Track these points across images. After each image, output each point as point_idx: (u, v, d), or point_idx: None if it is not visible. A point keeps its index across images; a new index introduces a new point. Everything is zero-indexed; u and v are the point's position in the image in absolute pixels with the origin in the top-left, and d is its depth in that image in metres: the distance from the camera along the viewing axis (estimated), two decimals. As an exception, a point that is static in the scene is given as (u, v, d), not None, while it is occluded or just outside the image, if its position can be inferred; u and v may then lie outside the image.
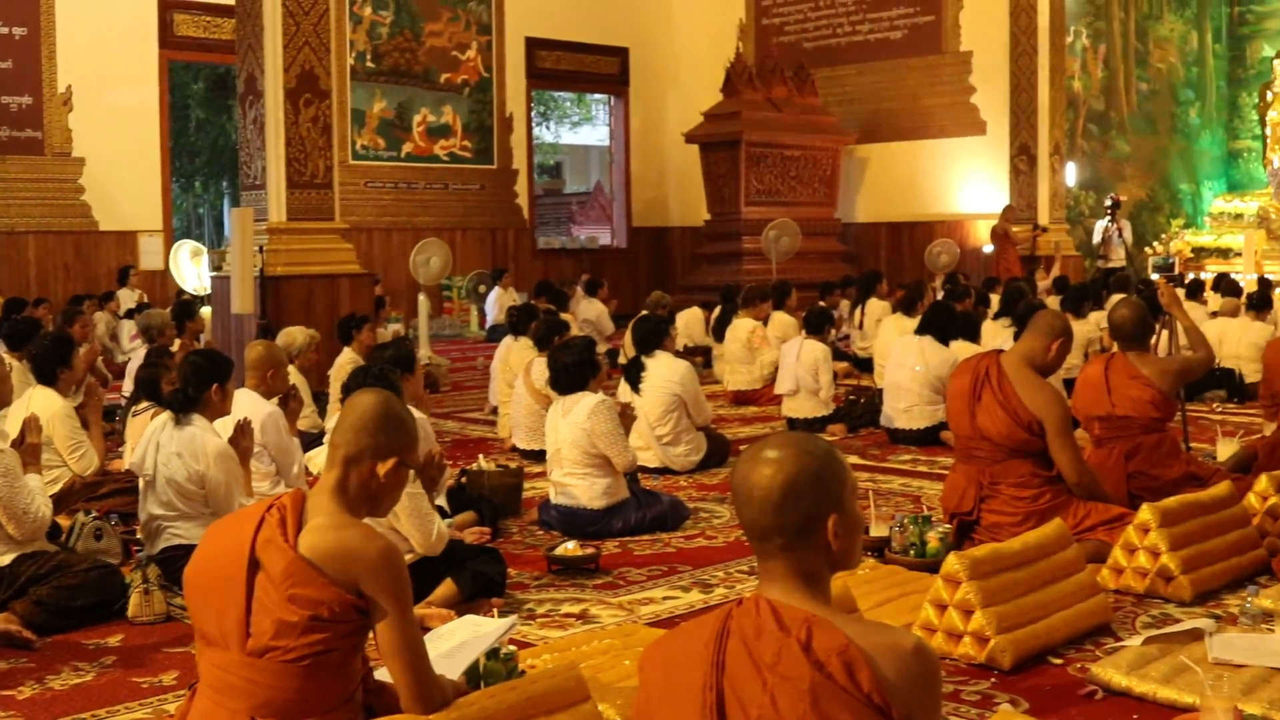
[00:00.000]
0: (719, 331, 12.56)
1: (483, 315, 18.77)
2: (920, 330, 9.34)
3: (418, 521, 5.21)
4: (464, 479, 7.08)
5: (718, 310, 13.23)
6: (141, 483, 5.77)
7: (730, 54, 21.36)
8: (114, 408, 9.53)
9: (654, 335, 8.57)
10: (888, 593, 5.17)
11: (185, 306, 11.86)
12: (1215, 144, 24.14)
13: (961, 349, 8.95)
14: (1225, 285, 13.62)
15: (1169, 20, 23.00)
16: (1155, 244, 20.35)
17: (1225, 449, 8.04)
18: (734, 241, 19.64)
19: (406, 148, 20.46)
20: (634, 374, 8.34)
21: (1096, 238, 19.79)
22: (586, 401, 6.67)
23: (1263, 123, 22.21)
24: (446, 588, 5.24)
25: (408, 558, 4.99)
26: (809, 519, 2.50)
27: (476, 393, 12.23)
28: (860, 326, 13.91)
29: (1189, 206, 23.10)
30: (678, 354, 9.75)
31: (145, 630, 5.18)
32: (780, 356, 10.32)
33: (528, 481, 7.55)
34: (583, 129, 34.88)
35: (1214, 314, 12.43)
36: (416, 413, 5.87)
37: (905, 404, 9.20)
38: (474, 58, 21.14)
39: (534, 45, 21.73)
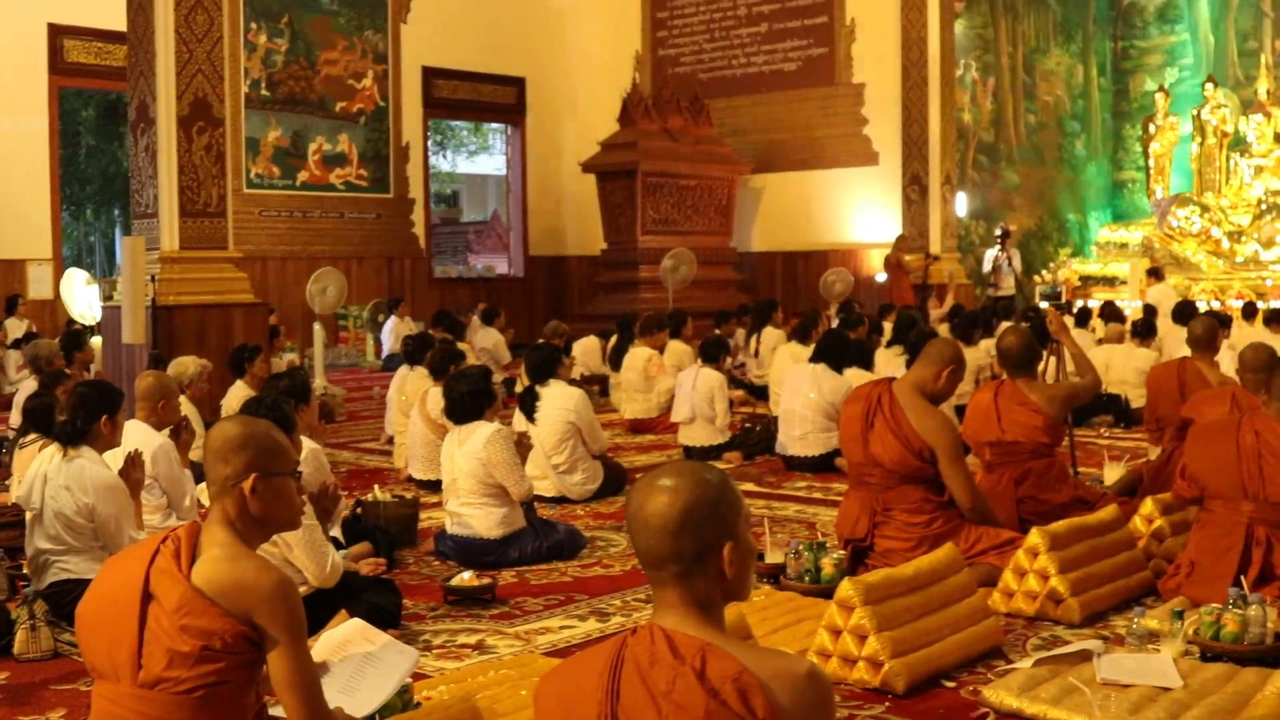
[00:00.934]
0: (616, 360, 12.59)
1: (379, 344, 18.64)
2: (815, 358, 9.43)
3: (312, 553, 5.16)
4: (359, 510, 7.01)
5: (614, 339, 13.26)
6: (29, 516, 5.66)
7: (627, 84, 21.48)
8: (0, 440, 9.34)
9: (546, 364, 8.57)
10: (783, 619, 5.19)
11: (74, 336, 11.66)
12: (1101, 175, 24.67)
13: (855, 376, 9.04)
14: (1111, 313, 13.89)
15: (1055, 55, 23.49)
16: (1044, 272, 20.72)
17: (1112, 473, 8.18)
18: (631, 270, 19.70)
19: (302, 176, 20.29)
20: (528, 403, 8.33)
21: (987, 266, 20.11)
22: (482, 431, 6.65)
23: (1146, 154, 22.74)
24: (341, 620, 5.18)
25: (302, 590, 4.94)
26: (704, 547, 2.51)
27: (372, 422, 12.15)
28: (756, 355, 14.00)
29: (1076, 235, 23.57)
30: (573, 382, 9.76)
31: (32, 667, 5.08)
32: (677, 385, 10.36)
33: (424, 512, 7.50)
34: (480, 158, 34.79)
35: (1100, 341, 12.66)
36: (310, 444, 5.86)
37: (800, 431, 9.27)
38: (370, 86, 21.04)
39: (431, 74, 21.68)
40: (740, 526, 2.56)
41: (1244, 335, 12.01)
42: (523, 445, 6.90)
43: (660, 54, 23.00)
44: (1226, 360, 9.36)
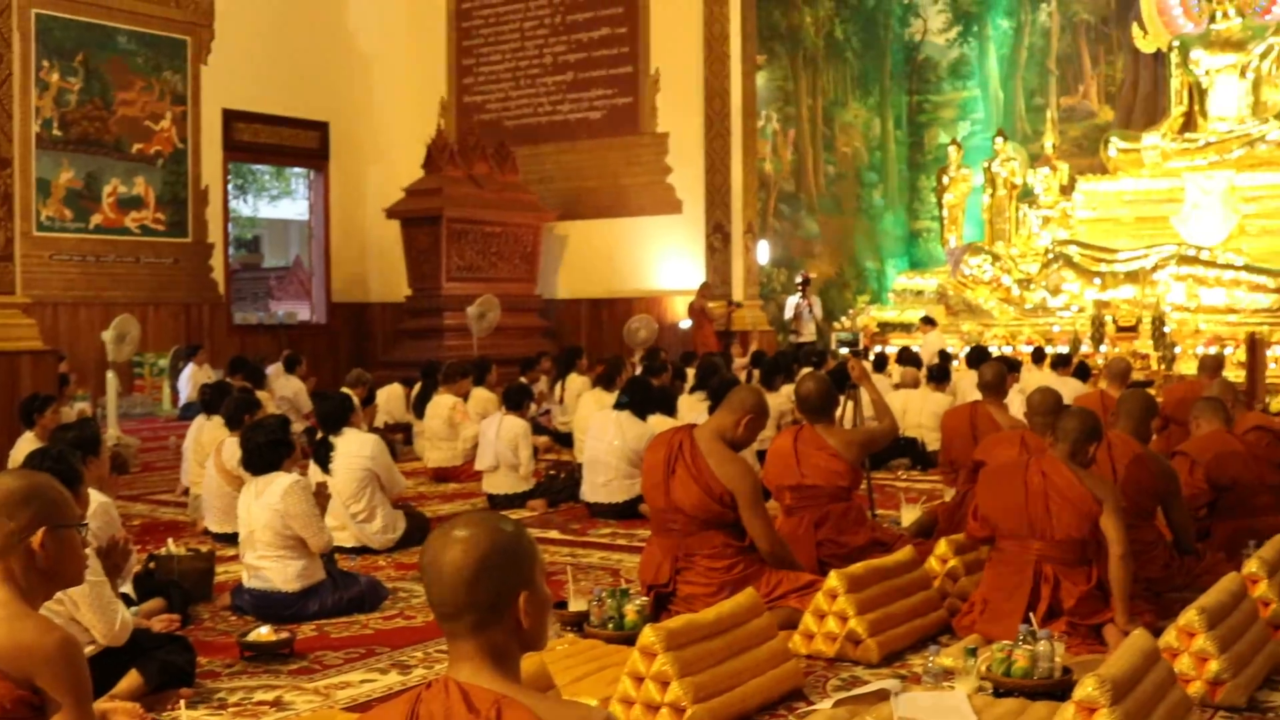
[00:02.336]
0: (420, 408, 12.48)
1: (175, 393, 18.16)
2: (618, 405, 9.46)
3: (100, 610, 4.97)
4: (152, 564, 6.80)
5: (418, 387, 13.15)
6: None
7: (432, 130, 21.39)
8: None
9: (338, 413, 8.43)
10: (586, 667, 5.17)
11: None
12: (898, 224, 25.31)
13: (658, 423, 9.08)
14: (908, 358, 14.22)
15: (854, 107, 24.07)
16: (843, 319, 21.13)
17: (909, 515, 8.36)
18: (435, 317, 19.57)
19: (96, 219, 19.73)
20: (323, 453, 8.19)
21: (788, 313, 20.45)
22: (280, 482, 6.52)
23: (940, 205, 23.38)
24: (131, 679, 5.01)
25: (90, 649, 4.77)
26: (500, 597, 2.49)
27: (168, 474, 11.81)
28: (560, 401, 14.01)
29: (874, 283, 24.11)
30: (375, 430, 9.65)
31: None
32: (480, 433, 10.30)
33: (220, 565, 7.31)
34: (282, 202, 34.27)
35: (897, 386, 12.95)
36: (100, 497, 5.66)
37: (604, 478, 9.28)
38: (168, 128, 20.59)
39: (231, 117, 21.30)
40: (536, 576, 2.54)
41: (1033, 379, 12.38)
42: (321, 496, 6.78)
43: (466, 100, 22.98)
44: (1016, 404, 9.65)
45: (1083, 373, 13.41)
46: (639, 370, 12.78)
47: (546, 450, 12.53)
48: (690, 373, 13.29)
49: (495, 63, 22.70)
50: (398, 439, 12.94)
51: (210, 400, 9.86)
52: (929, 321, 18.65)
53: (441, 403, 11.61)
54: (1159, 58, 22.81)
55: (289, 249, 36.29)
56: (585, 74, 21.70)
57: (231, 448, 7.87)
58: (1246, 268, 18.41)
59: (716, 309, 19.51)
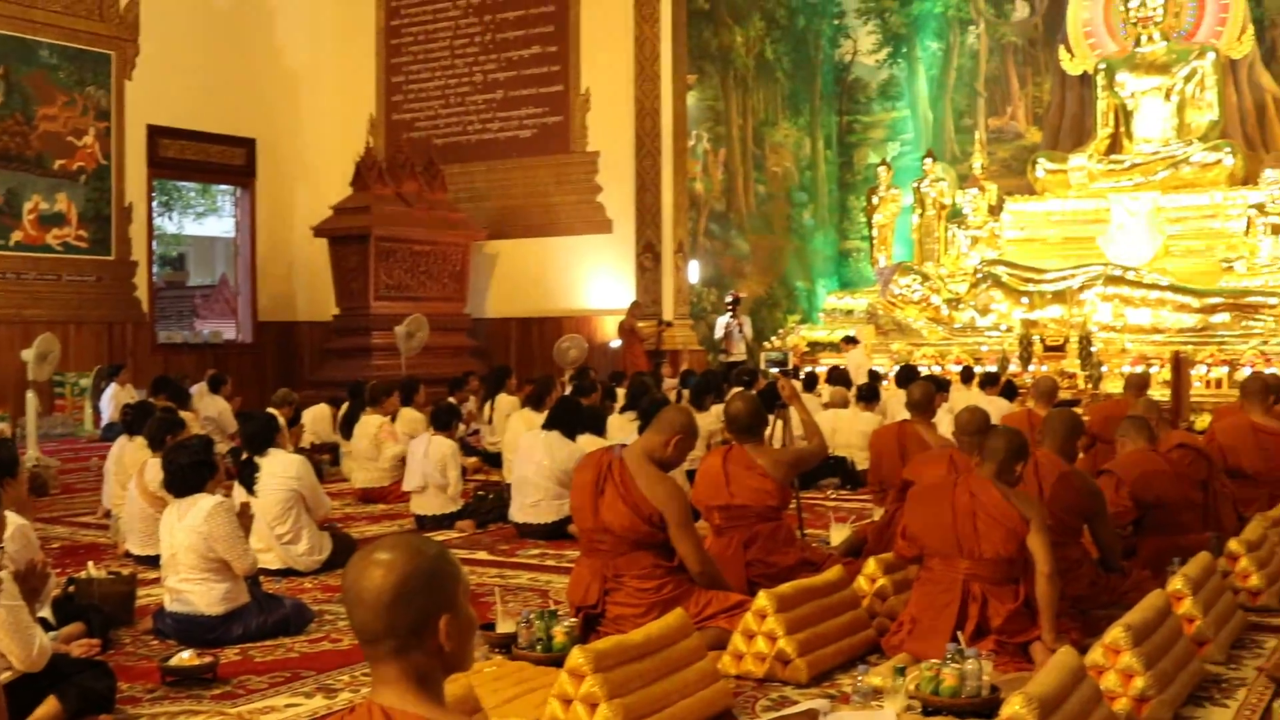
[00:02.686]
0: (347, 428, 12.37)
1: (98, 413, 17.91)
2: (547, 425, 9.42)
3: (17, 636, 4.86)
4: (72, 588, 6.67)
5: (346, 407, 13.03)
6: None
7: (360, 148, 21.27)
8: None
9: (263, 433, 8.32)
10: (514, 689, 5.13)
11: None
12: (828, 244, 25.43)
13: (588, 443, 9.04)
14: (837, 378, 14.27)
15: (784, 127, 24.17)
16: (774, 338, 21.18)
17: (838, 534, 8.37)
18: (363, 337, 19.45)
19: (16, 236, 19.45)
20: (248, 474, 8.08)
21: (719, 333, 20.48)
22: (203, 504, 6.41)
23: (870, 225, 23.51)
24: (49, 706, 4.90)
25: (6, 675, 4.67)
26: (420, 620, 2.45)
27: (89, 495, 11.63)
28: (489, 422, 13.93)
29: (804, 303, 24.20)
30: (301, 451, 9.54)
31: None
32: (408, 453, 10.21)
33: (141, 589, 7.18)
34: (208, 220, 33.94)
35: (826, 405, 12.98)
36: (18, 519, 5.55)
37: (533, 499, 9.23)
38: (92, 144, 20.36)
39: (156, 133, 21.09)
40: (458, 598, 2.50)
41: (961, 399, 12.44)
42: (245, 517, 6.68)
43: (395, 118, 22.89)
44: (945, 423, 9.69)
45: (1010, 392, 13.51)
46: (568, 390, 12.74)
47: (475, 471, 12.47)
48: (620, 392, 13.27)
49: (425, 80, 22.63)
50: (324, 459, 12.82)
51: (132, 421, 9.72)
52: (851, 340, 18.78)
53: (368, 423, 11.51)
54: (1085, 80, 23.08)
55: (215, 267, 35.92)
56: (515, 92, 21.68)
57: (154, 469, 7.74)
58: (1171, 288, 18.63)
59: (647, 328, 19.51)
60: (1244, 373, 15.51)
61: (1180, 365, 13.62)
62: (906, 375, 13.10)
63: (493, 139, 21.91)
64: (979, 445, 6.05)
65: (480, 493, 10.76)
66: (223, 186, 26.18)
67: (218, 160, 22.37)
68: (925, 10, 25.18)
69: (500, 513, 9.78)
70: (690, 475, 8.44)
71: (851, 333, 19.38)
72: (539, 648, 5.72)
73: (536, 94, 21.50)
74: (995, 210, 22.17)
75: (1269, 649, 5.96)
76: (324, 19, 23.04)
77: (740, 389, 9.76)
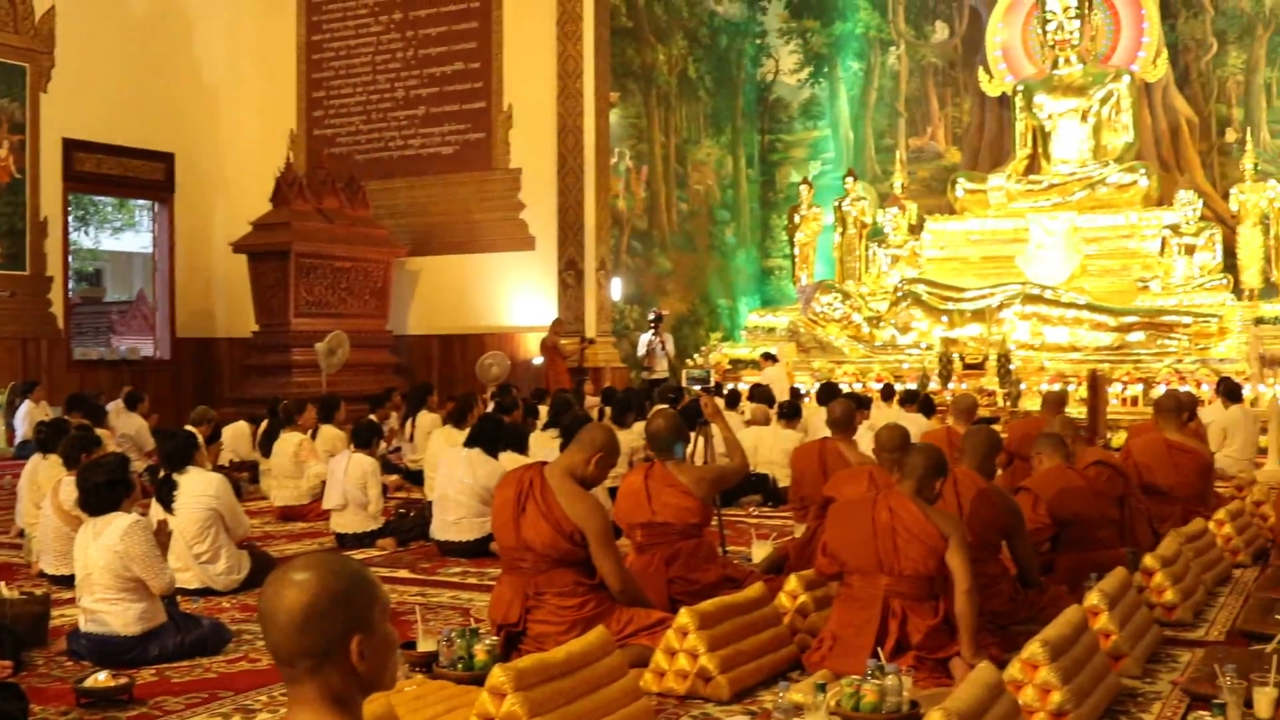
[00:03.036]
0: (266, 446, 12.25)
1: (11, 431, 17.60)
2: (469, 442, 9.38)
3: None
4: (-18, 608, 6.56)
5: (265, 424, 12.92)
6: None
7: (280, 163, 21.10)
8: None
9: (182, 451, 8.21)
10: (435, 708, 5.08)
11: None
12: (750, 262, 25.55)
13: (510, 460, 9.02)
14: (760, 395, 14.31)
15: (706, 145, 24.28)
16: (696, 356, 21.23)
17: (760, 551, 8.39)
18: (283, 353, 19.29)
19: (-72, 251, 19.15)
20: (165, 492, 7.97)
21: (641, 350, 20.51)
22: (119, 523, 6.32)
23: (792, 243, 23.66)
24: (-40, 727, 4.83)
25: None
26: (332, 641, 2.42)
27: (2, 514, 11.43)
28: (411, 439, 13.86)
29: (727, 320, 24.29)
30: (220, 469, 9.44)
31: None
32: (328, 471, 10.13)
33: (55, 609, 7.06)
34: (125, 235, 33.58)
35: (749, 422, 13.02)
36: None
37: (455, 516, 9.18)
38: (5, 157, 20.04)
39: (72, 147, 20.80)
40: (374, 618, 2.47)
41: (882, 416, 12.53)
42: (162, 535, 6.59)
43: (316, 134, 22.75)
44: (866, 440, 9.74)
45: (927, 408, 13.61)
46: (491, 407, 12.70)
47: (396, 488, 12.40)
48: (542, 409, 13.24)
49: (346, 95, 22.52)
50: (243, 477, 12.69)
51: (46, 438, 9.57)
52: (769, 357, 18.89)
53: (288, 440, 11.41)
54: (1004, 101, 23.40)
55: (132, 282, 35.52)
56: (438, 108, 21.62)
57: (69, 487, 7.62)
58: (1088, 306, 18.89)
59: (569, 345, 19.50)
60: (1159, 390, 15.75)
61: (1097, 383, 13.80)
62: (828, 393, 13.17)
63: (415, 155, 21.83)
64: (898, 462, 6.09)
65: (401, 510, 10.69)
66: (140, 201, 25.88)
67: (135, 175, 22.10)
68: (846, 31, 25.40)
69: (421, 530, 9.72)
70: (612, 493, 8.43)
71: (771, 350, 19.49)
72: (460, 666, 5.68)
73: (459, 110, 21.46)
74: (915, 229, 22.42)
75: (1184, 663, 6.04)
76: (244, 33, 22.86)
77: (663, 406, 9.76)
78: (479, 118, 21.29)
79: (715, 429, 8.07)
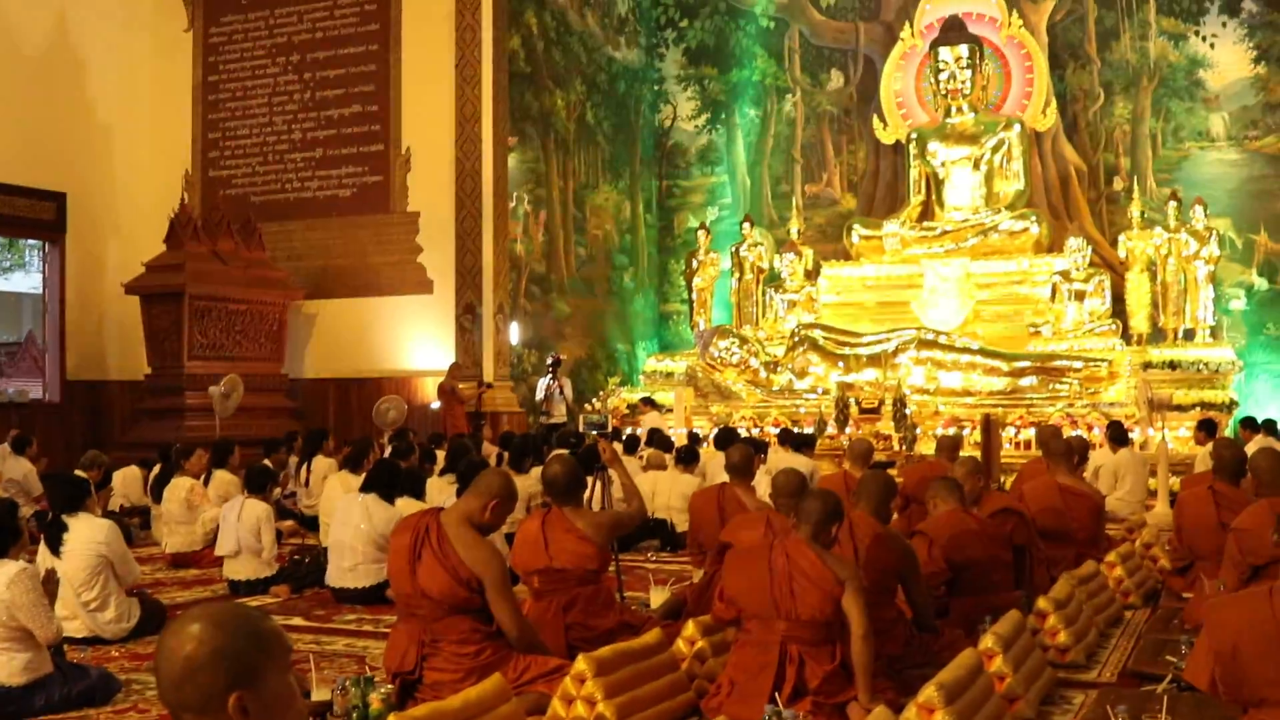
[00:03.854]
0: (158, 491, 12.06)
1: (-108, 476, 17.18)
2: (365, 488, 9.30)
3: None
4: None
5: (157, 469, 12.72)
6: None
7: (175, 204, 20.84)
8: None
9: (73, 495, 8.07)
10: (328, 759, 5.02)
11: None
12: (648, 306, 25.62)
13: (406, 506, 8.95)
14: (658, 440, 14.34)
15: (605, 190, 24.35)
16: (594, 400, 21.22)
17: (657, 596, 8.39)
18: (177, 397, 19.00)
19: None
20: (54, 538, 7.81)
21: (539, 395, 20.46)
22: (5, 570, 6.18)
23: (689, 288, 23.78)
24: None
25: None
26: (210, 697, 2.38)
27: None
28: (306, 484, 13.71)
29: (625, 365, 24.31)
30: (110, 514, 9.27)
31: None
32: (221, 516, 9.99)
33: (-64, 659, 6.89)
34: (14, 275, 33.02)
35: (646, 467, 13.03)
36: None
37: (350, 562, 9.09)
38: (-110, 198, 19.64)
39: (-42, 186, 20.42)
40: (263, 672, 2.41)
41: (779, 460, 12.59)
42: (50, 583, 6.46)
43: (211, 175, 22.52)
44: (763, 485, 9.78)
45: (799, 444, 13.68)
46: (388, 452, 12.61)
47: (291, 534, 12.26)
48: (439, 454, 13.16)
49: (243, 136, 22.33)
50: (134, 523, 12.49)
51: (-72, 484, 9.36)
52: (649, 403, 18.98)
53: (179, 485, 11.24)
54: (898, 148, 23.72)
55: (21, 323, 34.89)
56: (335, 150, 21.51)
57: (-49, 534, 7.45)
58: (981, 351, 19.14)
59: (467, 390, 19.41)
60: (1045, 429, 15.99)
61: (990, 427, 13.97)
62: (725, 438, 13.22)
63: (312, 197, 21.68)
64: (795, 508, 6.12)
65: (296, 557, 10.57)
66: (31, 241, 25.44)
67: (25, 214, 21.69)
68: (743, 78, 25.65)
69: (316, 577, 9.62)
70: (510, 538, 8.39)
71: (650, 395, 19.60)
72: (355, 715, 5.62)
73: (357, 153, 21.36)
74: (812, 275, 22.62)
75: (1077, 704, 6.11)
76: (139, 73, 22.60)
77: (561, 451, 9.75)
78: (377, 160, 21.21)
79: (613, 474, 8.07)
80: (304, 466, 13.94)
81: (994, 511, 8.07)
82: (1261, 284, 21.77)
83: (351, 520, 9.14)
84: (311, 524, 12.47)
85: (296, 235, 21.54)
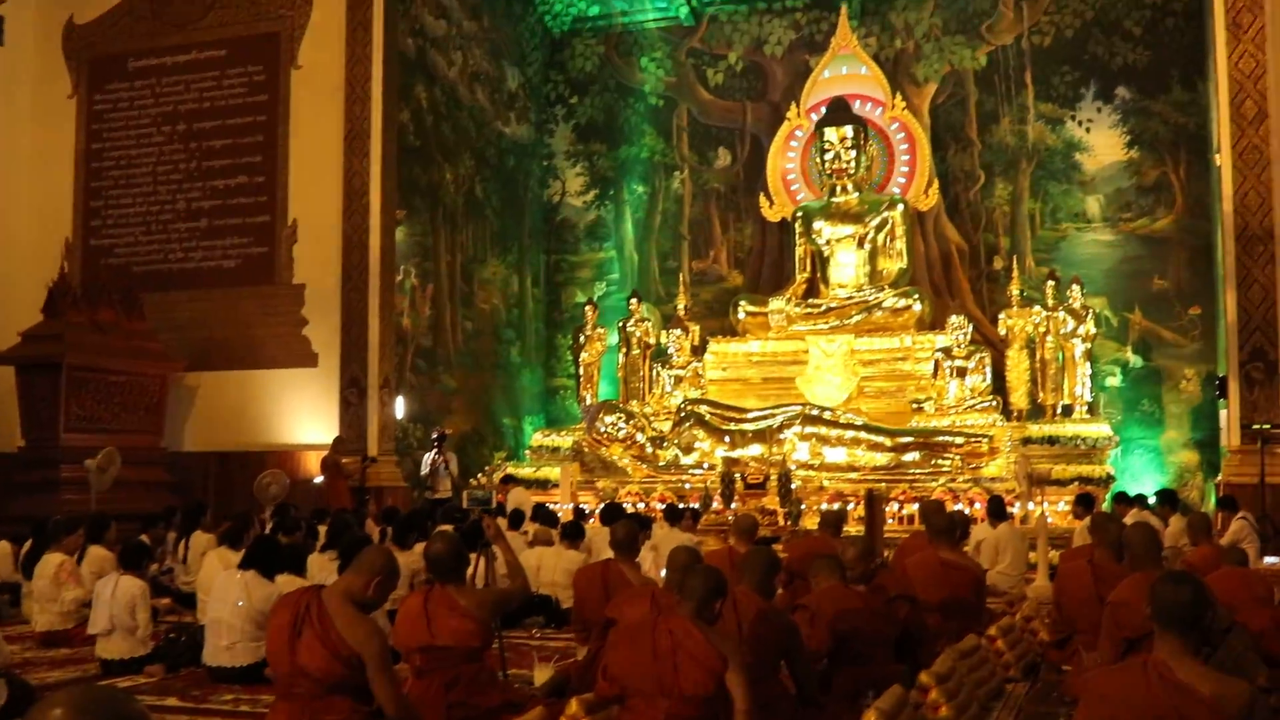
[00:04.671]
0: (29, 567, 11.74)
1: None
2: (244, 564, 9.13)
3: None
4: None
5: (29, 544, 12.40)
6: None
7: (54, 273, 20.48)
8: None
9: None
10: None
11: None
12: (535, 381, 25.60)
13: (287, 583, 8.80)
14: (543, 515, 14.27)
15: (493, 264, 24.35)
16: (480, 475, 21.10)
17: (541, 674, 8.31)
18: (52, 470, 18.58)
19: None
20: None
21: (424, 470, 20.31)
22: None
23: (576, 363, 23.82)
24: None
25: None
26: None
27: None
28: (184, 560, 13.44)
29: (511, 440, 24.24)
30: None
31: None
32: (95, 593, 9.75)
33: None
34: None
35: (531, 543, 12.95)
36: None
37: (228, 641, 8.90)
38: None
39: None
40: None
41: (664, 537, 12.58)
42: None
43: (93, 243, 22.19)
44: (649, 560, 9.78)
45: (694, 518, 13.71)
46: (270, 527, 12.41)
47: (168, 612, 12.00)
48: (322, 530, 12.98)
49: (126, 205, 22.05)
50: (4, 600, 12.15)
51: None
52: (510, 480, 18.99)
53: (48, 561, 10.96)
54: (785, 226, 24.02)
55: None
56: (221, 221, 21.31)
57: None
58: (865, 427, 19.36)
59: (350, 464, 19.21)
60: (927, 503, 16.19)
61: (874, 502, 14.08)
62: (611, 513, 13.19)
63: (196, 268, 21.43)
64: (679, 584, 6.11)
65: (172, 635, 10.32)
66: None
67: (-103, 283, 21.24)
68: (632, 155, 25.87)
69: (193, 656, 9.40)
70: (392, 615, 8.28)
71: (511, 473, 19.63)
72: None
73: (243, 223, 21.18)
74: (698, 350, 22.77)
75: (956, 781, 6.13)
76: (19, 138, 22.27)
77: (444, 528, 9.68)
78: (263, 231, 21.04)
79: (497, 550, 8.01)
80: (182, 542, 13.66)
81: (888, 598, 8.13)
82: (1136, 361, 22.29)
83: (230, 597, 8.96)
84: (189, 601, 12.20)
85: (179, 306, 21.26)
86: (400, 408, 20.73)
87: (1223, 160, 18.00)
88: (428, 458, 20.34)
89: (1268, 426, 17.03)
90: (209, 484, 20.58)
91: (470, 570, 7.68)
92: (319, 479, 19.38)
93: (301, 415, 20.40)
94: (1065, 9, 23.43)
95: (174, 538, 14.38)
